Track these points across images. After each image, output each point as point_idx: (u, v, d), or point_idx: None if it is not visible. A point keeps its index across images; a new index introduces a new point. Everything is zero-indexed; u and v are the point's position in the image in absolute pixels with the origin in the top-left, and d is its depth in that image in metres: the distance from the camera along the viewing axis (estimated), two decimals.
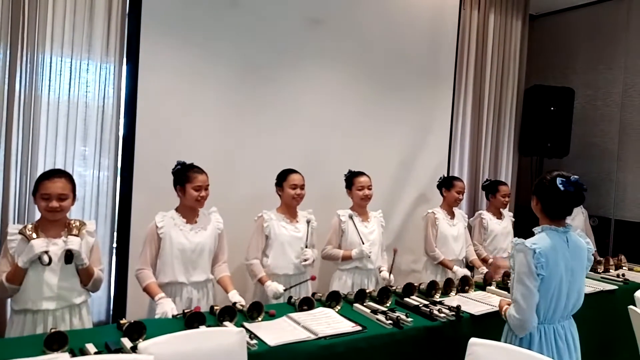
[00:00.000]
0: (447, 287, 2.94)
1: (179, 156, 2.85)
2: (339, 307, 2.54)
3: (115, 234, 3.29)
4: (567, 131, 5.04)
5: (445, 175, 4.16)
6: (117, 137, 3.27)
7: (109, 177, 3.23)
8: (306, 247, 3.06)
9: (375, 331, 2.28)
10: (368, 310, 2.49)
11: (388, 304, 2.63)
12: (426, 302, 2.65)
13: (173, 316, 2.38)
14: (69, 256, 2.24)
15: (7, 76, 2.91)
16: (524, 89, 5.24)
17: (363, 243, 3.20)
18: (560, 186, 2.07)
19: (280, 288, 2.82)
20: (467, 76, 4.89)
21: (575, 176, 2.11)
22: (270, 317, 2.39)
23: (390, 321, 2.34)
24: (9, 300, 2.92)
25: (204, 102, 3.52)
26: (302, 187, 3.11)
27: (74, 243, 2.25)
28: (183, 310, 2.39)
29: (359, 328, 2.26)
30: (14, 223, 2.88)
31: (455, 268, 3.56)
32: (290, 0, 3.82)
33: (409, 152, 4.43)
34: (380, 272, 3.30)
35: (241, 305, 2.47)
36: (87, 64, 3.13)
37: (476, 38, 4.92)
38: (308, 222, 3.13)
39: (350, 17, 4.08)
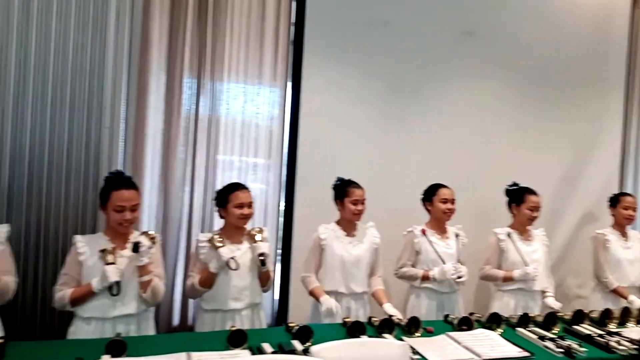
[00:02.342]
0: (625, 317, 2.65)
1: (336, 171, 3.03)
2: (500, 330, 2.45)
3: (279, 242, 3.57)
4: None
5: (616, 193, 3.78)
6: (282, 154, 3.56)
7: (274, 191, 3.53)
8: (459, 262, 3.00)
9: (544, 359, 2.15)
10: (534, 336, 2.36)
11: (555, 331, 2.47)
12: (601, 332, 2.42)
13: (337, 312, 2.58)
14: (263, 260, 2.49)
15: (194, 102, 3.36)
16: None
17: (526, 263, 3.05)
18: None
19: (448, 273, 2.87)
20: None
21: None
22: (428, 333, 2.40)
23: (560, 349, 2.19)
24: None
25: (358, 119, 3.69)
26: (452, 201, 3.07)
27: (263, 247, 2.51)
28: (343, 319, 2.51)
29: (526, 354, 2.15)
30: (201, 232, 3.29)
31: (632, 298, 3.20)
32: (441, 14, 3.83)
33: (572, 166, 4.11)
34: (544, 297, 3.10)
35: (398, 318, 2.52)
36: (258, 89, 3.48)
37: None
38: (457, 236, 3.08)
39: (503, 25, 3.95)
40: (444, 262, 2.96)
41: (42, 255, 2.89)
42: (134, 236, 2.39)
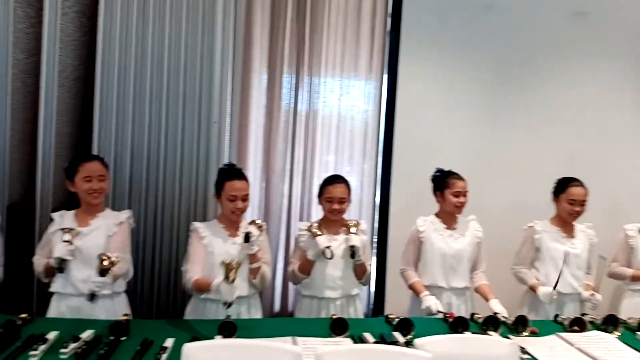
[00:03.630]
0: None
1: (432, 163, 2.96)
2: (618, 333, 2.29)
3: (375, 235, 3.59)
4: None
5: None
6: (377, 146, 3.57)
7: (370, 183, 3.55)
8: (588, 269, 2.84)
9: None
10: None
11: None
12: None
13: (438, 311, 2.50)
14: (353, 252, 2.53)
15: (293, 97, 3.47)
16: None
17: None
18: None
19: (550, 294, 2.67)
20: None
21: None
22: (532, 334, 2.29)
23: None
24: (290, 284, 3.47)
25: (459, 108, 3.61)
26: (582, 203, 2.81)
27: (355, 240, 2.54)
28: (444, 314, 2.47)
29: None
30: (300, 221, 3.38)
31: None
32: None
33: None
34: None
35: (504, 317, 2.43)
36: (354, 82, 3.51)
37: None
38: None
39: (620, 3, 3.64)
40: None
41: (158, 240, 3.12)
42: (244, 225, 2.54)
